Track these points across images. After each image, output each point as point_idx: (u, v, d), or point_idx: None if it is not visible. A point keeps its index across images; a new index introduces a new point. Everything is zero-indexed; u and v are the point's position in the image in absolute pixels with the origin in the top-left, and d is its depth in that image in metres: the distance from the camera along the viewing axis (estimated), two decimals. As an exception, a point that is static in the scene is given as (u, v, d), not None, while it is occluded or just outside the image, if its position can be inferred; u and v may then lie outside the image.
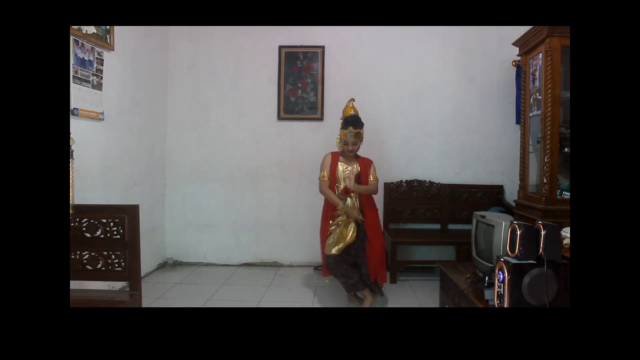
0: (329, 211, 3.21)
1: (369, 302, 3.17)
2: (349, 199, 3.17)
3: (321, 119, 4.26)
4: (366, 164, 3.22)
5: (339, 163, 3.21)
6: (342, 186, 3.18)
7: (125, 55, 3.49)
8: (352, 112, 3.22)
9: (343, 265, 3.11)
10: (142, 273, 3.27)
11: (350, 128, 3.10)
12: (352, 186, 3.10)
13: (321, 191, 3.23)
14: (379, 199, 4.23)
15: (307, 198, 4.17)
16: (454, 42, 4.24)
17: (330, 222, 3.19)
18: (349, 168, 3.19)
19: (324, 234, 3.20)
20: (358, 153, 3.24)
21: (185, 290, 3.59)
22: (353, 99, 3.30)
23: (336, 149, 3.28)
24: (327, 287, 3.66)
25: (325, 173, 3.19)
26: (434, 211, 4.25)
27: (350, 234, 3.14)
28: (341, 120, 3.22)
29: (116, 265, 2.11)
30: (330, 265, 3.13)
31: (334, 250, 3.12)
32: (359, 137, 3.15)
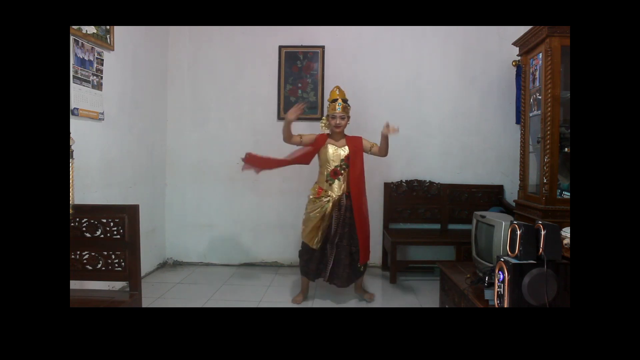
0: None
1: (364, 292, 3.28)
2: (336, 180, 3.20)
3: (321, 119, 4.25)
4: (356, 142, 3.24)
5: (328, 145, 3.23)
6: (331, 167, 3.20)
7: (125, 55, 3.49)
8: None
9: (314, 258, 3.23)
10: (142, 273, 3.27)
11: (339, 100, 3.18)
12: (391, 130, 2.99)
13: (283, 131, 3.20)
14: (378, 199, 4.26)
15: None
16: (454, 42, 4.24)
17: (314, 200, 3.24)
18: (339, 150, 3.21)
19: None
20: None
21: (185, 290, 3.59)
22: (338, 86, 3.33)
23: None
24: (327, 287, 3.66)
25: (302, 136, 3.25)
26: (434, 211, 4.25)
27: (325, 222, 3.21)
28: (328, 102, 3.30)
29: (116, 265, 2.11)
30: (302, 252, 3.30)
31: (309, 241, 3.23)
32: (346, 112, 3.20)
